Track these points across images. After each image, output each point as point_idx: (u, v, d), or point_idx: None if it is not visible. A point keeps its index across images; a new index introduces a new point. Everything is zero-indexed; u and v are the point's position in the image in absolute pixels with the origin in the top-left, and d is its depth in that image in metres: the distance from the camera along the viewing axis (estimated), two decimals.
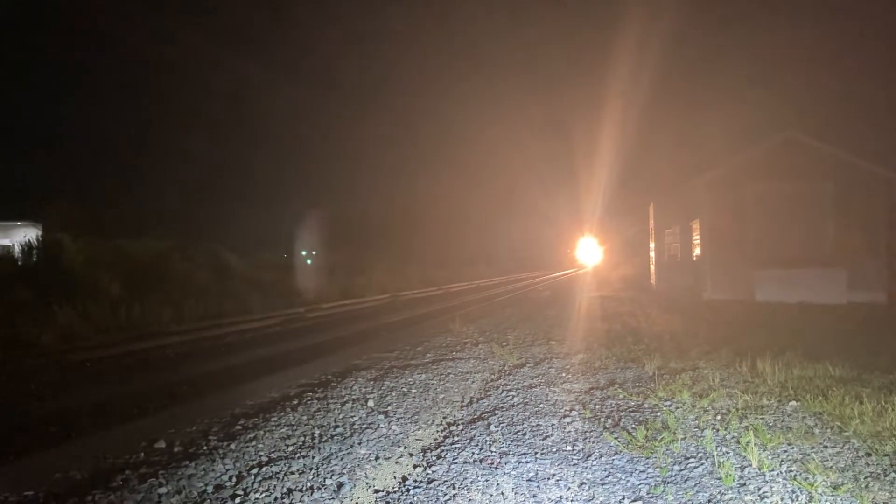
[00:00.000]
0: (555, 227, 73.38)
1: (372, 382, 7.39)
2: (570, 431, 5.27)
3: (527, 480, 4.18)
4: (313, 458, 4.70)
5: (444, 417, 5.96)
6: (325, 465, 4.54)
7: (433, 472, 4.38)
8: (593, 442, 4.97)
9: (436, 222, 54.65)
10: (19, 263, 17.81)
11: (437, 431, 5.49)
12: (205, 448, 5.04)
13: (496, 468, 4.41)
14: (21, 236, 22.28)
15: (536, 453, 4.72)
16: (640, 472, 4.29)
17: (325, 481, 4.24)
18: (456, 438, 5.16)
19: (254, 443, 5.07)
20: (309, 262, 35.75)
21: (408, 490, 4.08)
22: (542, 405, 6.16)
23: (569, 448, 4.84)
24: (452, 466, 4.47)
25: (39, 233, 21.87)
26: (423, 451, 4.93)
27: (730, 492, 3.90)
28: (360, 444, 5.06)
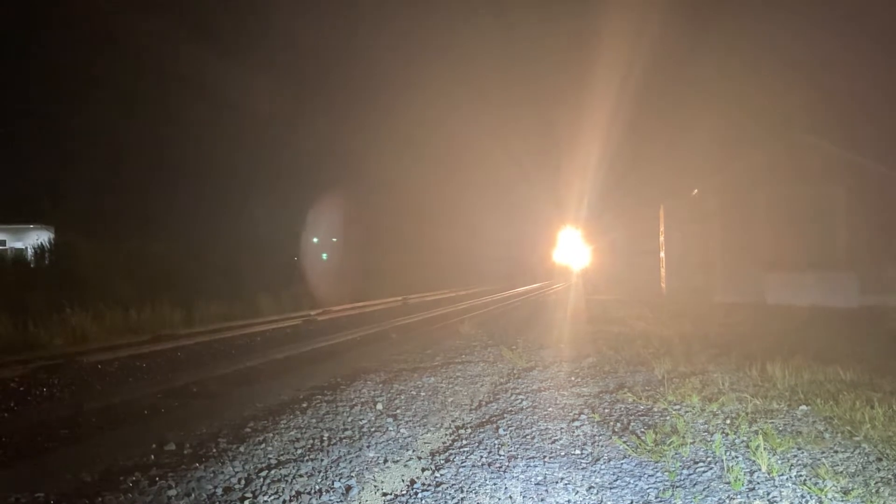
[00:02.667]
0: (534, 227, 56.87)
1: (381, 385, 7.40)
2: (578, 435, 5.26)
3: (535, 484, 4.17)
4: (322, 460, 4.72)
5: (453, 421, 5.96)
6: (333, 468, 4.55)
7: (441, 475, 4.39)
8: (602, 446, 4.96)
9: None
10: (32, 266, 17.97)
11: (446, 435, 5.50)
12: (214, 450, 5.07)
13: (505, 472, 4.41)
14: (34, 239, 22.49)
15: (545, 457, 4.71)
16: (649, 476, 4.28)
17: (333, 484, 4.26)
18: (464, 442, 5.16)
19: (263, 445, 5.09)
20: (320, 262, 35.83)
21: (416, 493, 4.09)
22: (550, 409, 6.16)
23: (577, 452, 4.84)
24: (461, 470, 4.47)
25: (52, 236, 22.05)
26: (432, 454, 4.94)
27: (739, 496, 3.88)
28: (368, 447, 5.07)
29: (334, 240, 40.28)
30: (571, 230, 41.10)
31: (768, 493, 3.89)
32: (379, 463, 4.71)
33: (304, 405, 6.49)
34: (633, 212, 35.79)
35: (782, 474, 4.18)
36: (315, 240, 37.93)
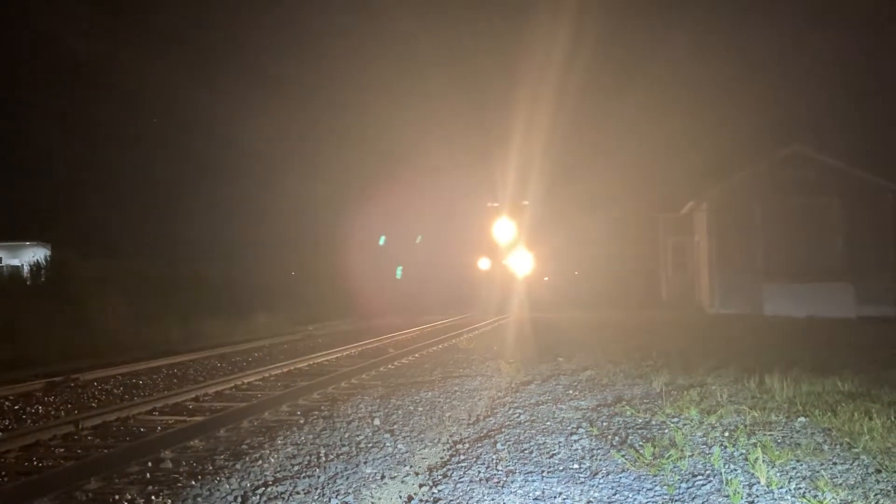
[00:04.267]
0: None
1: (378, 400, 7.37)
2: (576, 449, 5.23)
3: (533, 499, 4.15)
4: (319, 477, 4.68)
5: (451, 436, 5.94)
6: (330, 485, 4.52)
7: (439, 491, 4.36)
8: (600, 460, 4.93)
9: None
10: (28, 284, 17.93)
11: (444, 450, 5.47)
12: (210, 468, 5.04)
13: (502, 487, 4.38)
14: (30, 256, 22.44)
15: (543, 471, 4.69)
16: (648, 490, 4.25)
17: (330, 501, 4.22)
18: (462, 457, 5.13)
19: (259, 462, 5.06)
20: (318, 277, 35.61)
21: None
22: (548, 423, 6.13)
23: (575, 466, 4.81)
24: (458, 485, 4.44)
25: (48, 253, 21.99)
26: (429, 469, 4.91)
27: None
28: (365, 463, 5.04)
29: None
30: (507, 223, 28.73)
31: None
32: (376, 479, 4.68)
33: (301, 421, 6.47)
34: (619, 216, 33.41)
35: (781, 487, 4.16)
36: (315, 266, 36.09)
